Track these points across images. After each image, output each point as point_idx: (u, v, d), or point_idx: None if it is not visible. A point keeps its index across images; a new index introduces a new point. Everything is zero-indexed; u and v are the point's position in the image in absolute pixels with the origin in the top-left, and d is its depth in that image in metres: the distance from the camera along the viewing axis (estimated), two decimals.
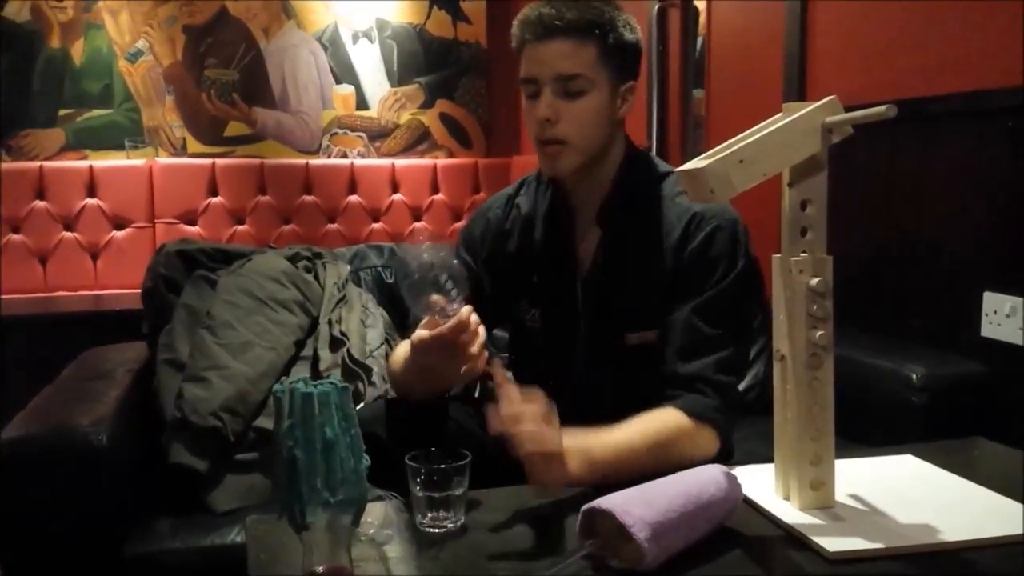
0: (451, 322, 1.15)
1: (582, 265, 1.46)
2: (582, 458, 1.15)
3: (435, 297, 1.16)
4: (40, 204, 3.91)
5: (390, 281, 2.27)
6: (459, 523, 1.07)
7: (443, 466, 1.06)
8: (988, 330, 1.72)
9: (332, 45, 4.42)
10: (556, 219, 1.48)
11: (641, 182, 1.44)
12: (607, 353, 1.42)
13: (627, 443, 1.21)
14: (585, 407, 1.36)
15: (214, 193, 4.12)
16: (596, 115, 1.38)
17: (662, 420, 1.26)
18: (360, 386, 1.92)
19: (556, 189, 1.49)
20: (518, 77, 1.40)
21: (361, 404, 1.84)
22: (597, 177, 1.44)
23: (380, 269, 2.29)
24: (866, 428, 1.58)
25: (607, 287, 1.42)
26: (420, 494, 1.06)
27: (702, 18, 2.91)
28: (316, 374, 1.93)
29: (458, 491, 1.07)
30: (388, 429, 1.36)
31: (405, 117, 4.56)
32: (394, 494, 1.11)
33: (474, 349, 1.18)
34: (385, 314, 2.16)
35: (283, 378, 1.89)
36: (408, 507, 1.09)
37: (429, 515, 1.07)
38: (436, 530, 1.06)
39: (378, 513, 1.08)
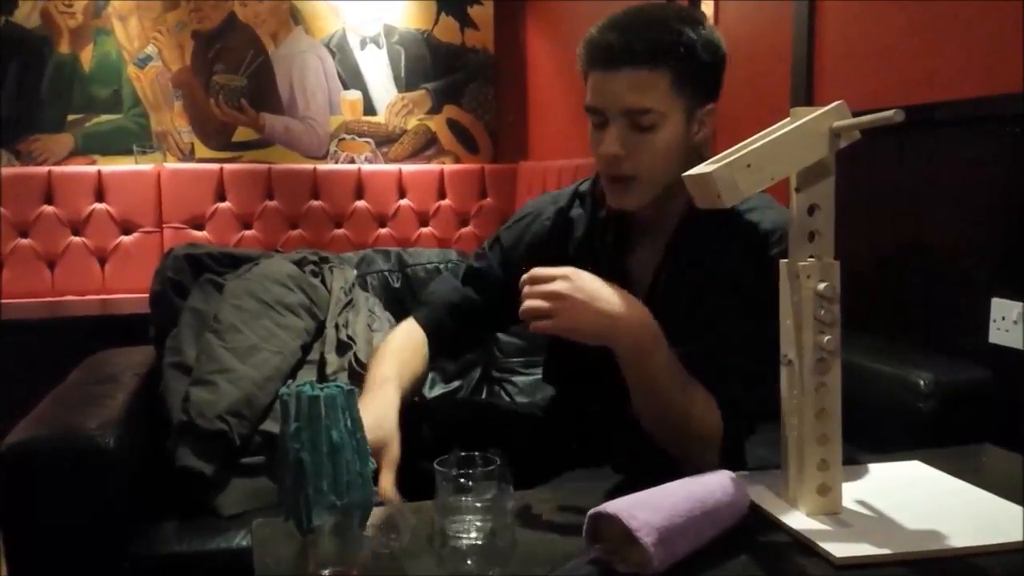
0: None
1: (639, 286, 1.36)
2: (661, 343, 1.19)
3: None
4: (48, 209, 3.93)
5: (396, 286, 2.28)
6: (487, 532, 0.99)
7: (473, 470, 0.99)
8: (996, 336, 1.71)
9: (340, 51, 4.44)
10: (616, 239, 1.39)
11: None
12: None
13: (682, 373, 1.23)
14: (623, 419, 1.35)
15: (222, 198, 4.14)
16: (668, 148, 1.26)
17: (705, 397, 1.26)
18: None
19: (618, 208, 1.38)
20: (585, 103, 1.29)
21: None
22: (670, 206, 1.34)
23: (387, 274, 2.29)
24: (873, 434, 1.58)
25: (663, 310, 1.31)
26: (449, 498, 0.97)
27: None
28: (322, 378, 1.93)
29: (487, 495, 0.98)
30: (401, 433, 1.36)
31: (412, 123, 4.58)
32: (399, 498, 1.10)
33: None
34: (392, 318, 2.16)
35: (289, 381, 1.90)
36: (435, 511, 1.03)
37: (456, 521, 0.97)
38: (462, 537, 0.96)
39: (384, 517, 1.08)
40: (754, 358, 1.26)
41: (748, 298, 1.27)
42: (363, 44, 4.47)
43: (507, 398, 2.24)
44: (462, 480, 0.97)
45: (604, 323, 1.16)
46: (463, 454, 1.01)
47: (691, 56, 1.25)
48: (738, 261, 1.29)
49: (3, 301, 3.62)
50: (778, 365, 1.24)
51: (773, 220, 1.30)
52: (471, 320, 1.48)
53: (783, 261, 1.11)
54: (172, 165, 4.18)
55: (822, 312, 1.08)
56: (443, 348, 1.48)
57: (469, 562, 0.94)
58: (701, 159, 1.34)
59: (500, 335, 2.30)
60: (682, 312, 1.31)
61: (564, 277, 1.15)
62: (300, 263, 2.19)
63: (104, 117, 4.16)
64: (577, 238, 1.44)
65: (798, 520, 1.08)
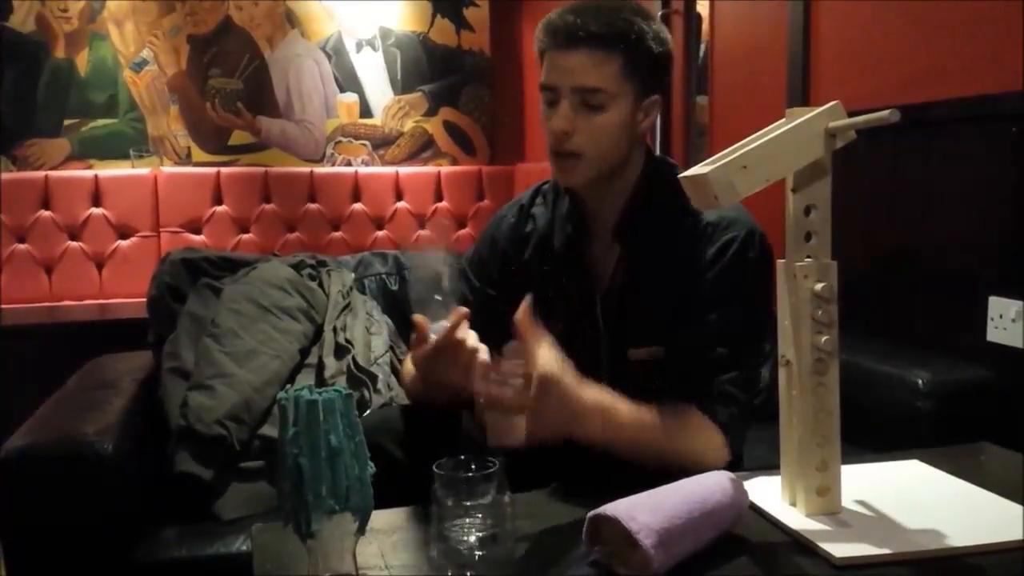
0: (441, 334, 1.19)
1: (601, 279, 1.42)
2: (597, 416, 1.18)
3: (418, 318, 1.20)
4: (45, 214, 3.92)
5: (394, 288, 2.28)
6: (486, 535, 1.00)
7: (471, 474, 1.01)
8: (994, 335, 1.71)
9: (336, 54, 4.44)
10: (574, 232, 1.44)
11: (660, 193, 1.38)
12: (624, 369, 1.39)
13: (640, 417, 1.23)
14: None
15: (219, 202, 4.13)
16: (614, 130, 1.33)
17: (678, 410, 1.27)
18: (365, 393, 1.92)
19: (574, 201, 1.44)
20: (539, 81, 1.35)
21: (367, 411, 1.84)
22: (615, 189, 1.39)
23: (384, 276, 2.29)
24: (872, 433, 1.58)
25: (627, 302, 1.39)
26: (448, 502, 0.99)
27: (705, 24, 2.91)
28: (321, 382, 1.93)
29: (486, 499, 1.00)
30: (400, 437, 1.36)
31: (409, 125, 4.57)
32: None
33: (470, 343, 1.21)
34: (390, 321, 2.16)
35: (288, 386, 1.90)
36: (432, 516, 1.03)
37: (455, 525, 1.00)
38: (464, 539, 0.99)
39: (385, 520, 1.07)
40: (729, 358, 1.30)
41: (696, 295, 1.32)
42: (359, 47, 4.47)
43: None
44: (460, 483, 0.97)
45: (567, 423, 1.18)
46: (462, 457, 1.01)
47: (641, 44, 1.32)
48: (684, 257, 1.34)
49: (1, 307, 3.62)
50: (751, 349, 1.29)
51: (717, 214, 1.34)
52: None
53: (780, 261, 1.11)
54: (169, 169, 4.17)
55: (819, 312, 1.08)
56: None
57: (468, 565, 0.94)
58: (641, 147, 1.40)
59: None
60: (645, 305, 1.36)
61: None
62: (298, 267, 2.19)
63: (100, 122, 4.15)
64: (538, 234, 1.48)
65: (797, 520, 1.08)
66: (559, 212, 1.47)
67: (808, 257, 1.09)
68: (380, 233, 4.35)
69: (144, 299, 2.15)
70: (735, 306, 1.30)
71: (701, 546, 0.99)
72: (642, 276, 1.38)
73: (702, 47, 2.96)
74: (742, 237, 1.32)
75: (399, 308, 2.22)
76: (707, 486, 1.03)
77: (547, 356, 1.14)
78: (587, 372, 1.42)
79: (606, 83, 1.30)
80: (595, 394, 1.20)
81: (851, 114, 1.06)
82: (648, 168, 1.41)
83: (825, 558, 0.99)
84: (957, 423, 1.63)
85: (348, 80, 4.46)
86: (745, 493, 1.06)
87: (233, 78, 4.31)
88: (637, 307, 1.38)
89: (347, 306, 2.13)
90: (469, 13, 4.57)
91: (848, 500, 1.12)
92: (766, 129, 1.10)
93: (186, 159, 4.27)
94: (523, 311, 1.15)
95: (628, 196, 1.40)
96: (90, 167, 4.10)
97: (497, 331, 1.53)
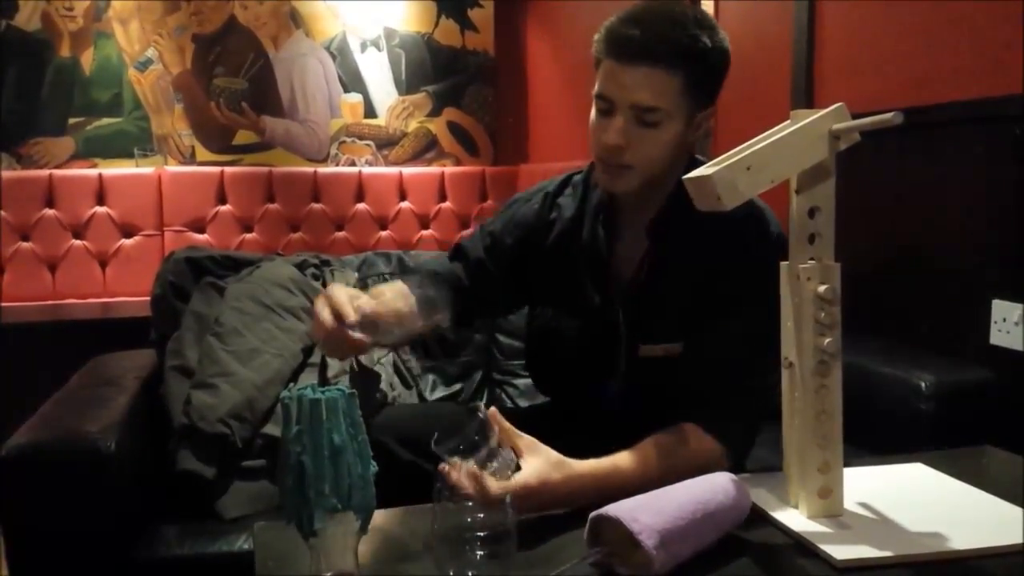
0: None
1: (624, 275, 1.41)
2: (592, 487, 1.15)
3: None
4: (49, 212, 3.93)
5: None
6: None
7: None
8: (997, 337, 1.71)
9: (340, 54, 4.44)
10: (603, 227, 1.42)
11: None
12: (642, 364, 1.38)
13: (641, 470, 1.19)
14: (616, 417, 1.36)
15: (223, 201, 4.14)
16: (668, 145, 1.31)
17: (679, 440, 1.24)
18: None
19: (608, 197, 1.42)
20: (594, 89, 1.32)
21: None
22: (656, 191, 1.38)
23: (388, 276, 2.29)
24: (874, 436, 1.58)
25: (649, 299, 1.38)
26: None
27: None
28: (324, 381, 1.93)
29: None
30: (403, 436, 1.36)
31: (413, 125, 4.58)
32: None
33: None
34: None
35: (291, 385, 1.90)
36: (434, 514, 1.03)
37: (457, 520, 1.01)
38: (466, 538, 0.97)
39: (387, 519, 1.07)
40: (744, 361, 1.28)
41: (728, 294, 1.30)
42: (363, 47, 4.47)
43: (508, 401, 2.24)
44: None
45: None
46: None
47: (704, 62, 1.28)
48: (711, 258, 1.33)
49: (4, 304, 3.62)
50: (765, 351, 1.24)
51: (744, 215, 1.31)
52: (454, 293, 1.46)
53: (783, 263, 1.11)
54: (173, 168, 4.18)
55: (822, 314, 1.08)
56: None
57: (470, 564, 0.94)
58: (689, 155, 1.38)
59: (500, 337, 2.30)
60: (667, 302, 1.35)
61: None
62: (301, 266, 2.20)
63: (105, 120, 4.16)
64: (563, 224, 1.46)
65: (799, 522, 1.08)
66: (588, 205, 1.45)
67: (811, 259, 1.09)
68: (383, 233, 4.36)
69: (147, 298, 2.15)
70: (755, 309, 1.28)
71: (703, 547, 0.99)
72: (667, 273, 1.37)
73: None
74: (768, 243, 1.31)
75: None
76: (709, 487, 1.03)
77: (531, 463, 1.11)
78: (603, 367, 1.41)
79: (665, 102, 1.27)
80: (586, 468, 1.16)
81: (855, 116, 1.06)
82: (688, 168, 1.39)
83: (826, 560, 0.99)
84: (960, 426, 1.63)
85: (352, 80, 4.47)
86: (747, 495, 1.06)
87: (238, 77, 4.32)
88: (658, 304, 1.37)
89: None
90: (474, 14, 4.57)
91: (850, 502, 1.12)
92: (770, 131, 1.10)
93: (190, 158, 4.28)
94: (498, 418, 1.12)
95: (666, 196, 1.38)
96: (94, 166, 4.11)
97: (479, 302, 1.51)
